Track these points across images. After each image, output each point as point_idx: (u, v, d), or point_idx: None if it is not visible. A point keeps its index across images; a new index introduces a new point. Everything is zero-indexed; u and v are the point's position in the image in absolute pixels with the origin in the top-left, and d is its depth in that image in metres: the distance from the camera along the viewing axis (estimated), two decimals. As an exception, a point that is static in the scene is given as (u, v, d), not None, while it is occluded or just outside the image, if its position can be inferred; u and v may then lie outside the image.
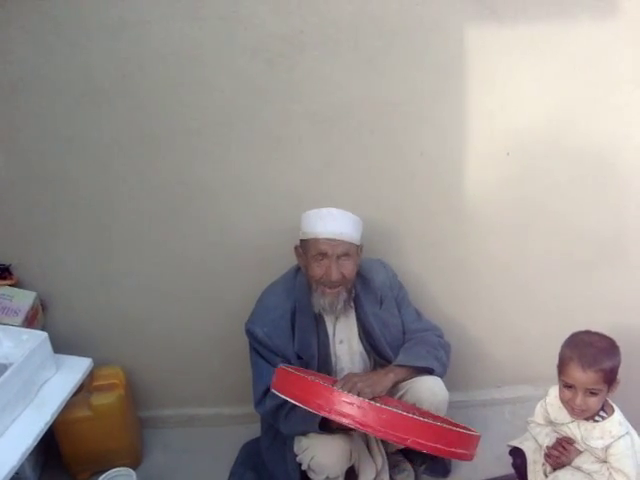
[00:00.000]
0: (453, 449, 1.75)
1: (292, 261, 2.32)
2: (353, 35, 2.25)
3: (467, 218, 2.61)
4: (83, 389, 2.40)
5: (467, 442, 1.81)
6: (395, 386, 2.21)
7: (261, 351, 2.24)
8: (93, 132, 2.34)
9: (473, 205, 2.58)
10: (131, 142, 2.37)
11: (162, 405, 2.88)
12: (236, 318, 2.38)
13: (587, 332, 2.04)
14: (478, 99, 2.39)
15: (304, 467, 2.17)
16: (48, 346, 2.10)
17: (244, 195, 2.49)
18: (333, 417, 1.72)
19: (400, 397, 2.24)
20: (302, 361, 2.25)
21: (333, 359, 2.33)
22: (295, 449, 2.20)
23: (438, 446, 1.71)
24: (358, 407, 1.71)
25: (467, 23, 2.26)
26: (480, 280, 2.73)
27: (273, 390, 1.91)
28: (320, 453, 2.11)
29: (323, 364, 2.29)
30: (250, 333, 2.24)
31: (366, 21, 2.24)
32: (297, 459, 2.19)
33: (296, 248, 2.29)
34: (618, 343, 2.00)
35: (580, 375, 1.94)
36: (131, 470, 2.33)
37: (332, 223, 2.16)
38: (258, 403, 2.25)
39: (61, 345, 2.24)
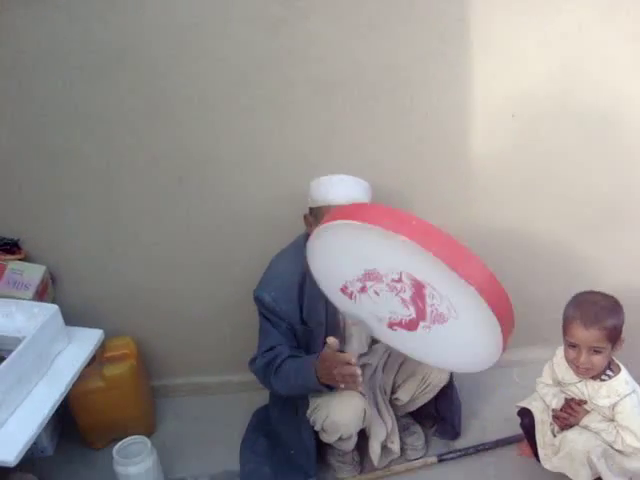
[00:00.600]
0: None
1: (299, 228, 2.32)
2: (354, -2, 2.22)
3: (473, 181, 2.60)
4: (95, 360, 2.41)
5: (479, 269, 1.76)
6: None
7: (268, 316, 2.23)
8: (96, 104, 2.32)
9: (479, 168, 2.57)
10: (134, 113, 2.35)
11: (173, 374, 2.91)
12: (244, 285, 2.39)
13: (590, 292, 2.06)
14: (482, 60, 2.36)
15: (317, 428, 2.20)
16: (59, 318, 2.12)
17: (249, 163, 2.48)
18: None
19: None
20: (308, 328, 2.26)
21: (341, 325, 2.34)
22: (307, 413, 2.23)
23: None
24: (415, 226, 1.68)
25: (471, -17, 2.23)
26: (486, 244, 2.71)
27: (327, 223, 1.82)
28: (334, 410, 2.13)
29: (331, 331, 2.29)
30: (258, 299, 2.24)
31: (368, -16, 2.21)
32: (310, 421, 2.22)
33: (305, 217, 2.27)
34: (625, 305, 2.01)
35: (583, 333, 1.95)
36: (146, 438, 2.36)
37: (344, 190, 2.14)
38: (252, 361, 2.26)
39: (72, 317, 2.25)
